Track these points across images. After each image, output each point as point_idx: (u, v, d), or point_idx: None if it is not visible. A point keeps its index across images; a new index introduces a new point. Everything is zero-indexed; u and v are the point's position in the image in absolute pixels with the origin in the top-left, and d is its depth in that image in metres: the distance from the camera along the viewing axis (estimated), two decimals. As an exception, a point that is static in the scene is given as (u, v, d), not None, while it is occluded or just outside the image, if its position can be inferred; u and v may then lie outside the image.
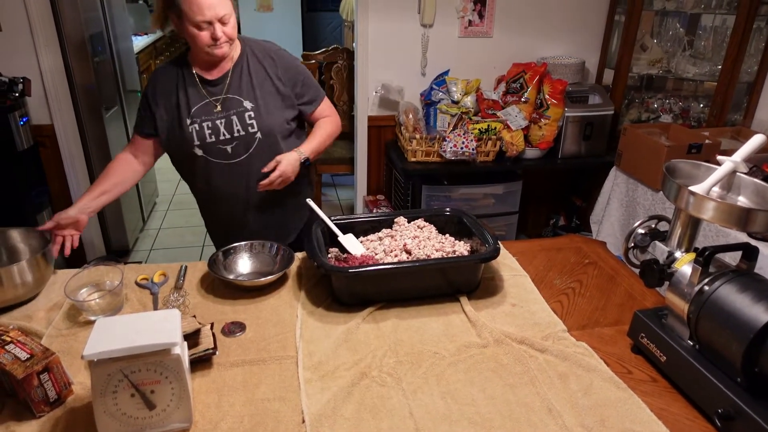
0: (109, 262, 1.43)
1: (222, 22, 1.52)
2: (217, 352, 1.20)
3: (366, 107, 3.09)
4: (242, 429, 1.03)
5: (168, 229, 3.79)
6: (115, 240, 3.32)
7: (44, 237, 1.49)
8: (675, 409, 1.10)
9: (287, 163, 1.62)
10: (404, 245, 1.50)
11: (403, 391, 1.13)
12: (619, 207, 2.77)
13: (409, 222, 1.62)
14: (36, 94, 2.65)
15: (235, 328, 1.31)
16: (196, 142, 1.61)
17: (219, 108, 1.60)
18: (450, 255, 1.49)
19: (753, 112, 2.84)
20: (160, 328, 1.00)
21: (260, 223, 1.80)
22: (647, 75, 3.10)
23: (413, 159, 2.82)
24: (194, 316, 1.27)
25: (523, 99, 2.86)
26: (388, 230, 1.60)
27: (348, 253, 1.51)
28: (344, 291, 1.40)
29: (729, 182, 1.19)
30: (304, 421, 1.04)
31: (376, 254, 1.49)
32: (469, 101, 2.91)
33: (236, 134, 1.62)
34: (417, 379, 1.16)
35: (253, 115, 1.62)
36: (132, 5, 5.76)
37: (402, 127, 2.92)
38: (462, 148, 2.72)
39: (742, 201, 1.17)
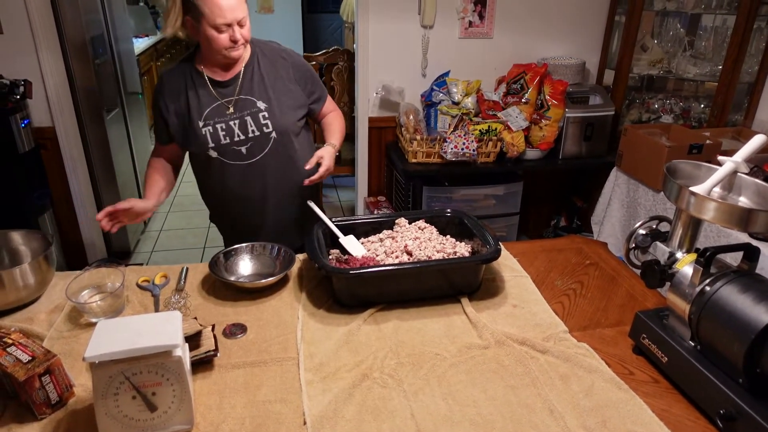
0: (110, 264, 1.43)
1: (240, 24, 1.54)
2: (218, 354, 1.20)
3: (366, 108, 3.09)
4: (243, 431, 1.03)
5: (169, 230, 3.79)
6: (116, 242, 3.32)
7: (45, 239, 1.49)
8: (677, 410, 1.10)
9: (329, 157, 1.66)
10: (405, 246, 1.50)
11: (404, 392, 1.13)
12: (620, 207, 2.77)
13: (410, 223, 1.62)
14: (37, 97, 2.65)
15: (236, 330, 1.31)
16: (211, 144, 1.63)
17: (231, 109, 1.61)
18: (451, 256, 1.49)
19: (754, 113, 2.84)
20: (161, 330, 1.00)
21: (276, 223, 1.81)
22: (648, 75, 3.10)
23: (414, 160, 2.82)
24: (195, 318, 1.27)
25: (523, 100, 2.86)
26: (389, 231, 1.60)
27: (349, 254, 1.51)
28: (345, 292, 1.40)
29: (730, 183, 1.19)
30: (305, 423, 1.04)
31: (377, 255, 1.49)
32: (469, 102, 2.91)
33: (251, 135, 1.63)
34: (418, 381, 1.16)
35: (267, 115, 1.63)
36: (132, 7, 5.77)
37: (403, 129, 2.92)
38: (463, 149, 2.72)
39: (743, 201, 1.17)
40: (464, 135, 2.73)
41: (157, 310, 1.39)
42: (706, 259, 1.08)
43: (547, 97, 2.84)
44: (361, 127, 3.14)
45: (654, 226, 1.31)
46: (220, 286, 1.48)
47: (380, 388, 1.14)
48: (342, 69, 3.62)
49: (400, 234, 1.57)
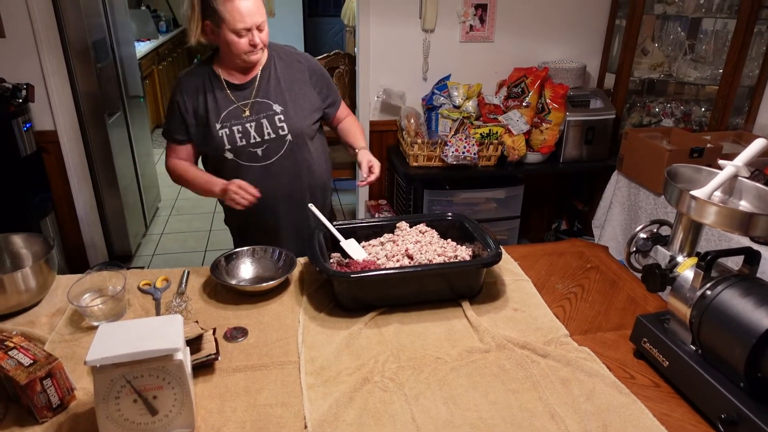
0: (111, 268, 1.43)
1: (259, 29, 1.57)
2: (219, 358, 1.20)
3: (368, 112, 3.09)
4: (244, 434, 1.03)
5: (170, 234, 3.79)
6: (117, 245, 3.32)
7: (47, 242, 1.49)
8: (678, 414, 1.10)
9: (376, 160, 1.71)
10: (406, 250, 1.50)
11: (405, 396, 1.13)
12: (621, 211, 2.77)
13: (411, 227, 1.62)
14: (39, 100, 2.66)
15: (237, 334, 1.31)
16: (227, 146, 1.64)
17: (248, 112, 1.64)
18: (452, 260, 1.49)
19: (755, 116, 2.84)
20: (162, 333, 1.00)
21: (289, 225, 1.82)
22: (648, 79, 3.11)
23: (415, 164, 2.82)
24: (196, 322, 1.27)
25: (524, 103, 2.86)
26: (390, 235, 1.61)
27: (350, 258, 1.51)
28: (346, 296, 1.40)
29: (731, 186, 1.19)
30: (306, 427, 1.04)
31: (378, 259, 1.50)
32: (470, 106, 2.92)
33: (267, 137, 1.66)
34: (419, 385, 1.16)
35: (283, 118, 1.66)
36: (135, 11, 5.79)
37: (404, 132, 2.92)
38: (464, 153, 2.72)
39: (744, 205, 1.17)
40: (465, 139, 2.74)
41: (158, 313, 1.39)
42: (707, 263, 1.08)
43: (548, 101, 2.84)
44: (362, 131, 3.14)
45: (655, 230, 1.31)
46: (221, 290, 1.49)
47: (381, 392, 1.14)
48: (343, 73, 3.63)
49: (401, 237, 1.57)
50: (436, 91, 2.97)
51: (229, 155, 1.66)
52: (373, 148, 3.19)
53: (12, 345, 1.10)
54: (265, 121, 1.65)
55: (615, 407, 1.10)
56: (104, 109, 3.04)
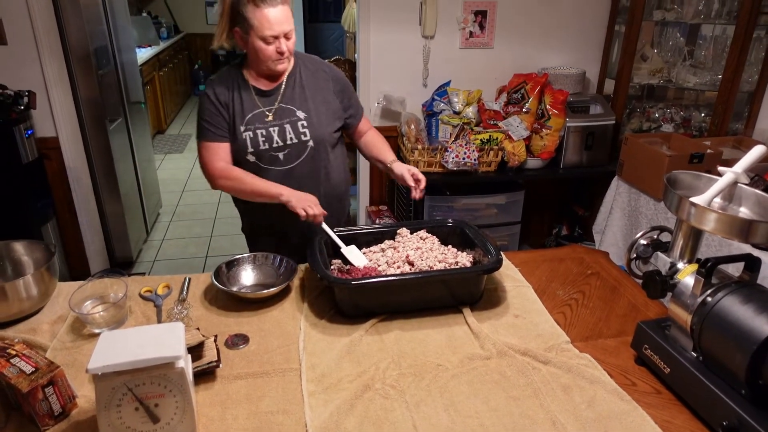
0: (113, 275, 1.44)
1: (287, 37, 1.59)
2: (220, 365, 1.20)
3: (368, 118, 3.10)
4: (246, 442, 1.03)
5: (171, 240, 3.80)
6: (118, 251, 3.33)
7: (48, 249, 1.49)
8: (679, 421, 1.10)
9: (414, 167, 1.74)
10: (407, 257, 1.51)
11: (406, 403, 1.13)
12: (621, 216, 2.77)
13: (411, 233, 1.62)
14: (41, 107, 2.67)
15: (238, 341, 1.31)
16: (250, 149, 1.67)
17: (271, 117, 1.67)
18: (452, 266, 1.49)
19: (754, 122, 2.85)
20: (164, 341, 1.01)
21: (304, 231, 1.80)
22: (648, 85, 3.12)
23: (415, 169, 2.82)
24: (198, 329, 1.27)
25: (524, 109, 2.87)
26: (391, 241, 1.61)
27: (351, 264, 1.52)
28: (347, 303, 1.40)
29: (730, 193, 1.20)
30: (307, 434, 1.04)
31: (379, 266, 1.50)
32: (470, 112, 2.92)
33: (289, 142, 1.68)
34: (420, 392, 1.16)
35: (305, 125, 1.68)
36: (136, 17, 5.82)
37: (404, 138, 2.93)
38: (464, 159, 2.73)
39: (744, 212, 1.17)
40: (465, 144, 2.74)
41: (159, 320, 1.40)
42: (707, 269, 1.08)
43: (548, 107, 2.85)
44: (363, 137, 3.15)
45: (655, 236, 1.31)
46: (223, 296, 1.49)
47: (382, 399, 1.14)
48: (343, 79, 3.64)
49: (402, 244, 1.57)
50: (436, 97, 2.98)
51: (251, 158, 1.68)
52: (374, 154, 3.19)
53: (14, 353, 1.10)
54: (288, 126, 1.68)
55: (616, 414, 1.10)
56: (105, 116, 3.05)
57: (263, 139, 1.66)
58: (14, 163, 2.54)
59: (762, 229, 1.04)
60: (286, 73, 1.70)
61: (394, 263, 1.50)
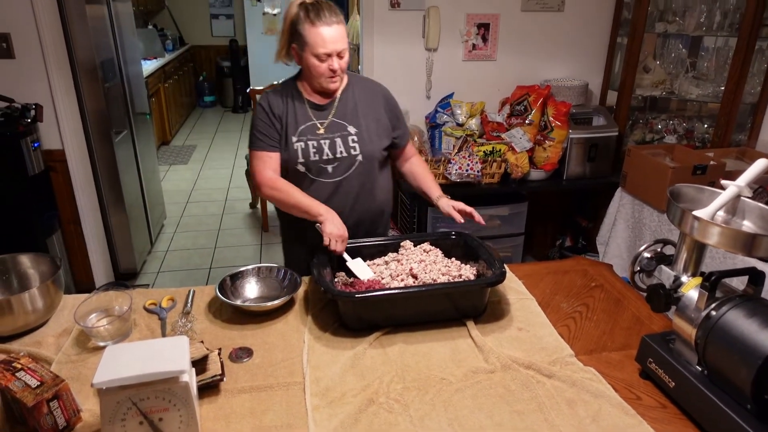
0: (117, 288, 1.44)
1: (340, 56, 1.63)
2: (224, 379, 1.20)
3: (372, 130, 3.11)
4: (250, 457, 1.03)
5: (175, 251, 3.81)
6: (123, 262, 3.34)
7: (54, 262, 1.50)
8: (685, 436, 1.09)
9: (461, 202, 1.71)
10: (410, 269, 1.51)
11: (410, 417, 1.12)
12: (625, 228, 2.76)
13: (415, 246, 1.63)
14: (48, 120, 2.69)
15: (242, 354, 1.32)
16: (300, 159, 1.70)
17: (323, 130, 1.70)
18: (456, 279, 1.49)
19: (757, 133, 2.85)
20: (168, 355, 1.01)
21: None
22: (651, 96, 3.12)
23: (419, 181, 2.83)
24: (202, 342, 1.27)
25: (527, 121, 2.88)
26: (395, 254, 1.61)
27: (355, 277, 1.52)
28: (351, 316, 1.40)
29: (733, 206, 1.20)
30: (311, 449, 1.04)
31: (383, 279, 1.50)
32: (473, 124, 2.94)
33: (338, 155, 1.71)
34: (424, 406, 1.16)
35: (356, 139, 1.72)
36: (142, 30, 5.88)
37: (407, 150, 2.94)
38: (467, 170, 2.74)
39: (747, 225, 1.17)
40: (468, 156, 2.75)
41: (164, 333, 1.40)
42: (711, 283, 1.08)
43: (551, 119, 2.86)
44: (366, 148, 3.16)
45: (659, 250, 1.31)
46: (227, 309, 1.49)
47: (386, 413, 1.13)
48: (347, 91, 3.66)
49: (406, 257, 1.57)
50: (439, 109, 3.00)
51: (300, 168, 1.71)
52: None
53: (19, 366, 1.10)
54: (339, 140, 1.71)
55: (621, 429, 1.09)
56: (111, 128, 3.07)
57: (314, 150, 1.70)
58: (21, 175, 2.56)
59: (765, 243, 1.04)
60: (340, 90, 1.75)
61: (397, 276, 1.50)
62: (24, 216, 2.63)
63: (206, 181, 5.11)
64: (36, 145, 2.62)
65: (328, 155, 1.70)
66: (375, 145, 1.75)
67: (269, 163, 1.71)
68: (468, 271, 1.53)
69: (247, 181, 4.44)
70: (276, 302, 1.45)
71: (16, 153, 2.52)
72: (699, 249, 1.19)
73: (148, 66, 5.36)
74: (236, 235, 4.04)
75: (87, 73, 2.86)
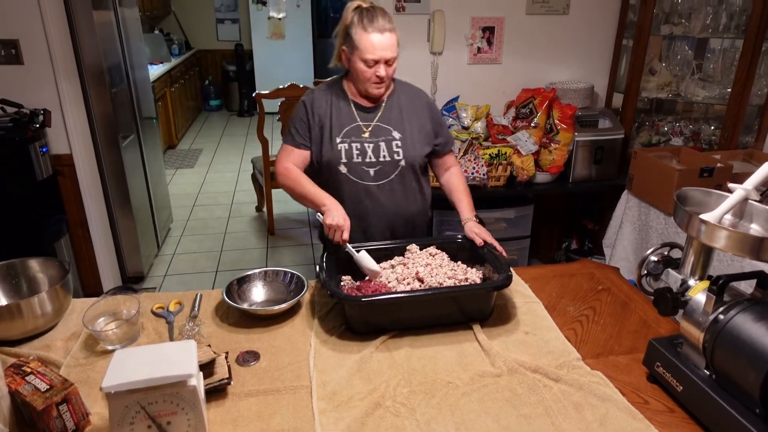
0: (125, 292, 1.45)
1: (387, 63, 1.65)
2: (231, 382, 1.21)
3: (377, 133, 3.12)
4: (257, 460, 1.03)
5: (182, 254, 3.82)
6: (130, 265, 3.35)
7: (63, 267, 1.51)
8: (693, 440, 1.09)
9: (485, 231, 1.67)
10: (416, 273, 1.51)
11: (417, 421, 1.13)
12: (631, 231, 2.76)
13: (421, 249, 1.63)
14: (56, 125, 2.71)
15: (249, 358, 1.32)
16: (343, 160, 1.72)
17: (367, 134, 1.72)
18: (462, 282, 1.49)
19: (765, 135, 2.83)
20: (176, 359, 1.02)
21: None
22: (657, 98, 3.11)
23: (424, 184, 2.83)
24: (209, 346, 1.28)
25: (532, 124, 2.88)
26: (401, 258, 1.61)
27: (362, 280, 1.52)
28: (357, 320, 1.40)
29: (741, 210, 1.19)
30: (318, 453, 1.04)
31: (389, 282, 1.50)
32: (479, 127, 2.94)
33: (381, 159, 1.73)
34: (431, 410, 1.16)
35: (400, 144, 1.74)
36: (148, 35, 5.91)
37: (413, 153, 2.94)
38: (473, 173, 2.74)
39: (755, 229, 1.17)
40: (474, 159, 2.75)
41: (171, 337, 1.41)
42: (719, 287, 1.07)
43: (556, 121, 2.85)
44: (372, 152, 3.16)
45: (665, 253, 1.31)
46: (234, 313, 1.50)
47: (393, 417, 1.14)
48: (352, 94, 3.67)
49: (412, 260, 1.58)
50: (444, 112, 3.00)
51: (342, 168, 1.73)
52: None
53: (29, 370, 1.11)
54: (383, 144, 1.73)
55: (629, 433, 1.09)
56: (118, 132, 3.09)
57: (357, 152, 1.71)
58: (29, 179, 2.58)
59: (773, 247, 1.04)
60: (387, 95, 1.76)
61: (403, 280, 1.50)
62: (32, 220, 2.65)
63: (212, 184, 5.13)
64: (44, 150, 2.64)
65: (371, 158, 1.72)
66: (418, 151, 1.76)
67: (292, 156, 1.76)
68: (474, 275, 1.53)
69: (253, 184, 4.46)
70: (283, 306, 1.46)
71: (24, 158, 2.54)
72: (706, 252, 1.19)
73: (155, 71, 5.40)
74: (242, 238, 4.05)
75: (94, 78, 2.89)
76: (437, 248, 1.63)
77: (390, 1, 2.87)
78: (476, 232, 1.64)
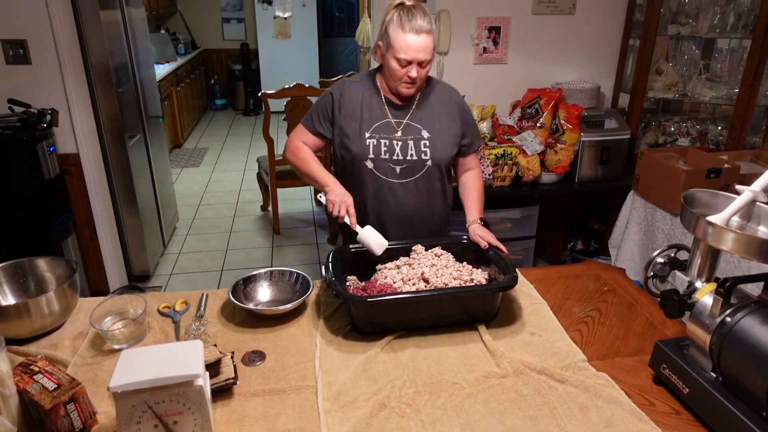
0: (132, 291, 1.46)
1: (421, 65, 1.64)
2: (237, 382, 1.21)
3: (382, 133, 3.12)
4: (263, 460, 1.04)
5: (188, 253, 3.84)
6: (136, 264, 3.37)
7: (70, 266, 1.52)
8: (699, 443, 1.08)
9: (488, 233, 1.67)
10: (422, 274, 1.51)
11: (422, 422, 1.13)
12: (637, 231, 2.75)
13: (426, 250, 1.63)
14: (63, 124, 2.73)
15: (254, 357, 1.33)
16: (370, 155, 1.72)
17: (399, 132, 1.72)
18: (468, 283, 1.49)
19: (772, 135, 2.82)
20: (183, 359, 1.02)
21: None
22: (663, 99, 3.10)
23: (429, 184, 2.83)
24: (215, 345, 1.29)
25: (538, 124, 2.87)
26: (406, 258, 1.61)
27: (367, 280, 1.52)
28: (362, 320, 1.41)
29: (748, 212, 1.19)
30: (324, 453, 1.05)
31: (394, 283, 1.50)
32: (484, 127, 2.93)
33: (409, 157, 1.73)
34: (436, 410, 1.16)
35: (428, 144, 1.73)
36: (154, 34, 5.94)
37: (418, 153, 2.94)
38: (478, 173, 2.73)
39: (762, 231, 1.16)
40: (480, 159, 2.75)
41: (177, 336, 1.41)
42: (726, 289, 1.07)
43: (562, 122, 2.85)
44: (377, 152, 3.17)
45: (672, 255, 1.30)
46: (239, 313, 1.50)
47: (398, 418, 1.14)
48: (358, 94, 3.67)
49: (417, 261, 1.58)
50: (450, 112, 2.99)
51: (369, 164, 1.72)
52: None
53: (37, 369, 1.12)
54: (411, 143, 1.72)
55: (634, 435, 1.09)
56: (125, 131, 3.11)
57: (385, 149, 1.71)
58: (37, 179, 2.60)
59: (781, 249, 1.03)
60: (419, 92, 1.75)
61: (409, 280, 1.50)
62: (40, 219, 2.67)
63: (218, 183, 5.15)
64: (52, 149, 2.66)
65: (398, 156, 1.72)
66: (446, 151, 1.75)
67: (305, 138, 1.79)
68: (480, 276, 1.53)
69: (259, 183, 4.47)
70: (288, 306, 1.46)
71: (32, 157, 2.55)
72: (713, 255, 1.18)
73: (161, 70, 5.42)
74: (248, 237, 4.06)
75: (101, 77, 2.90)
76: (443, 249, 1.63)
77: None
78: (480, 235, 1.64)
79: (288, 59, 7.31)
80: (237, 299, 1.48)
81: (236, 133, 6.85)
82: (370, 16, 3.23)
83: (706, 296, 1.14)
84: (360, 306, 1.39)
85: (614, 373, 1.27)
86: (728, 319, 1.07)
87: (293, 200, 4.71)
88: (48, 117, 2.59)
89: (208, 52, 7.74)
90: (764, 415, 1.00)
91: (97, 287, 3.10)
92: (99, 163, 2.98)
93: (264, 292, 1.57)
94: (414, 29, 1.58)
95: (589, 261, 1.92)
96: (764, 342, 1.00)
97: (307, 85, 3.82)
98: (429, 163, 1.73)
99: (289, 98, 3.79)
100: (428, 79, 1.78)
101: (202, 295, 1.58)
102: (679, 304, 1.17)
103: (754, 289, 1.15)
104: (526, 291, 1.62)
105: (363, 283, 1.54)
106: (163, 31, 6.64)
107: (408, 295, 1.40)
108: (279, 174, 3.99)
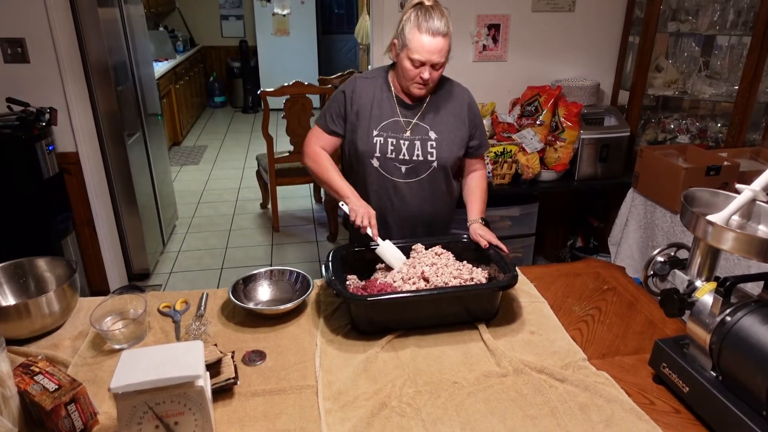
0: (132, 291, 1.46)
1: (434, 67, 1.63)
2: (238, 382, 1.21)
3: (382, 131, 3.12)
4: (264, 460, 1.04)
5: (187, 251, 3.84)
6: (135, 263, 3.37)
7: (70, 266, 1.52)
8: (699, 441, 1.09)
9: (488, 232, 1.66)
10: (422, 273, 1.51)
11: (422, 421, 1.13)
12: (637, 229, 2.75)
13: (426, 249, 1.63)
14: (62, 123, 2.72)
15: (255, 357, 1.33)
16: (377, 154, 1.72)
17: (408, 132, 1.71)
18: (468, 282, 1.49)
19: (772, 132, 2.82)
20: (183, 360, 1.02)
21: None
22: (663, 96, 3.10)
23: (429, 182, 2.83)
24: (215, 345, 1.29)
25: (538, 122, 2.87)
26: (406, 257, 1.61)
27: (367, 279, 1.52)
28: (363, 319, 1.41)
29: (748, 211, 1.19)
30: (324, 453, 1.05)
31: (394, 282, 1.50)
32: (484, 124, 2.93)
33: (414, 158, 1.73)
34: (436, 410, 1.16)
35: (435, 145, 1.73)
36: (153, 32, 5.92)
37: (418, 151, 2.94)
38: (478, 171, 2.73)
39: (762, 230, 1.16)
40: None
41: (178, 336, 1.41)
42: (726, 288, 1.07)
43: (562, 119, 2.84)
44: (377, 149, 3.16)
45: (672, 254, 1.30)
46: (240, 312, 1.50)
47: (399, 417, 1.14)
48: (357, 91, 3.66)
49: (417, 260, 1.58)
50: (449, 109, 2.99)
51: (375, 162, 1.73)
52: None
53: (37, 370, 1.12)
54: (418, 143, 1.72)
55: (635, 434, 1.09)
56: (123, 130, 3.10)
57: (392, 148, 1.71)
58: (36, 177, 2.59)
59: (781, 248, 1.03)
60: (431, 93, 1.74)
61: (409, 279, 1.50)
62: (39, 218, 2.66)
63: (217, 181, 5.15)
64: (51, 148, 2.65)
65: (404, 155, 1.71)
66: (452, 153, 1.75)
67: (321, 140, 1.78)
68: (480, 275, 1.53)
69: (258, 181, 4.47)
70: (288, 305, 1.46)
71: (31, 156, 2.55)
72: (713, 254, 1.18)
73: (160, 67, 5.40)
74: (247, 235, 4.06)
75: (100, 76, 2.89)
76: (443, 248, 1.63)
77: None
78: (481, 234, 1.63)
79: (287, 56, 7.30)
80: (237, 299, 1.48)
81: (235, 131, 6.84)
82: (369, 13, 3.22)
83: (706, 295, 1.14)
84: (360, 305, 1.39)
85: (614, 371, 1.27)
86: (728, 318, 1.07)
87: (293, 198, 4.71)
88: (47, 116, 2.59)
89: (206, 49, 7.73)
90: (764, 414, 1.00)
91: (97, 286, 3.10)
92: (98, 162, 2.97)
93: (264, 292, 1.57)
94: (430, 30, 1.57)
95: (588, 259, 1.92)
96: (764, 341, 1.00)
97: (306, 83, 3.82)
98: (435, 164, 1.73)
99: (288, 96, 3.79)
100: (441, 79, 1.76)
101: (202, 294, 1.58)
102: (679, 303, 1.17)
103: (754, 288, 1.15)
104: (526, 289, 1.62)
105: (363, 282, 1.54)
106: (161, 29, 6.62)
107: (408, 295, 1.40)
108: (278, 172, 3.98)
